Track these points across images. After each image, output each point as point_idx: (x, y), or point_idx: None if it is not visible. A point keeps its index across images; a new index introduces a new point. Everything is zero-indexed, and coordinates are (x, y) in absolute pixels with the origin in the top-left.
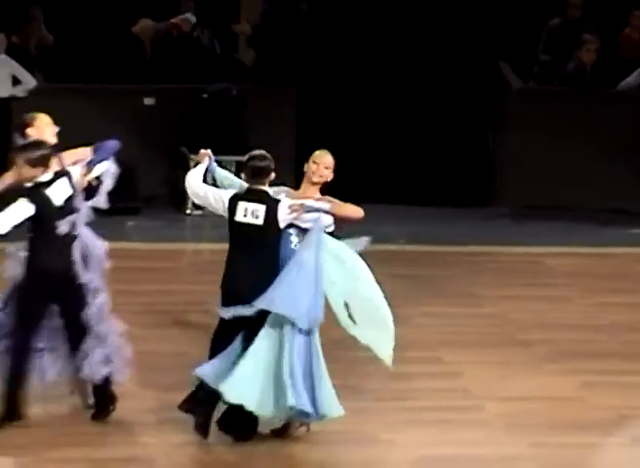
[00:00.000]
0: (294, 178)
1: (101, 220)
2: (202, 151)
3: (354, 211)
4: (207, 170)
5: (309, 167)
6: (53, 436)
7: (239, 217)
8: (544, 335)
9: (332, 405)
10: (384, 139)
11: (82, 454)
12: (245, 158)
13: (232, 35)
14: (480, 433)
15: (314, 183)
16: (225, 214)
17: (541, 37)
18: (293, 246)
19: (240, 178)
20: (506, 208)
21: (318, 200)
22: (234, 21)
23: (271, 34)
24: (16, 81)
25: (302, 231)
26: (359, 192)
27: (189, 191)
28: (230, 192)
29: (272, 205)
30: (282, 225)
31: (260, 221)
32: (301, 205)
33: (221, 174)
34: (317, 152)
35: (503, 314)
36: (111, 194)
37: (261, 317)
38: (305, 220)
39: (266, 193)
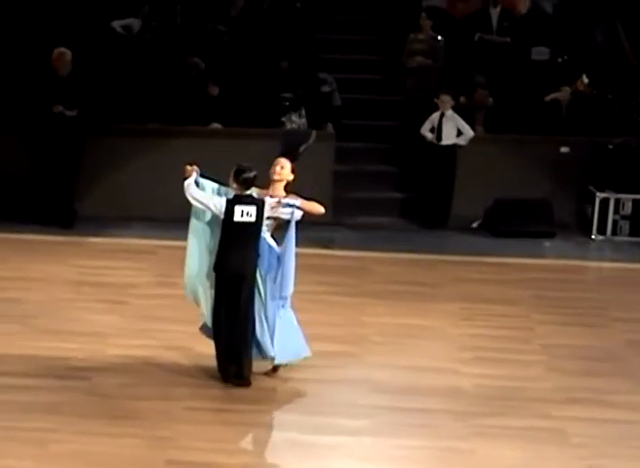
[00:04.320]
0: None
1: (524, 242)
2: (188, 167)
3: (317, 207)
4: (195, 180)
5: (271, 169)
6: None
7: (237, 218)
8: None
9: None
10: None
11: None
12: (234, 170)
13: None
14: None
15: (275, 181)
16: (222, 216)
17: None
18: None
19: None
20: None
21: (287, 197)
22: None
23: None
24: (459, 133)
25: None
26: None
27: (191, 198)
28: (223, 199)
29: (260, 204)
30: (265, 218)
31: (252, 219)
32: (279, 202)
33: (202, 181)
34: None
35: None
36: (533, 221)
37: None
38: (284, 213)
39: (252, 196)
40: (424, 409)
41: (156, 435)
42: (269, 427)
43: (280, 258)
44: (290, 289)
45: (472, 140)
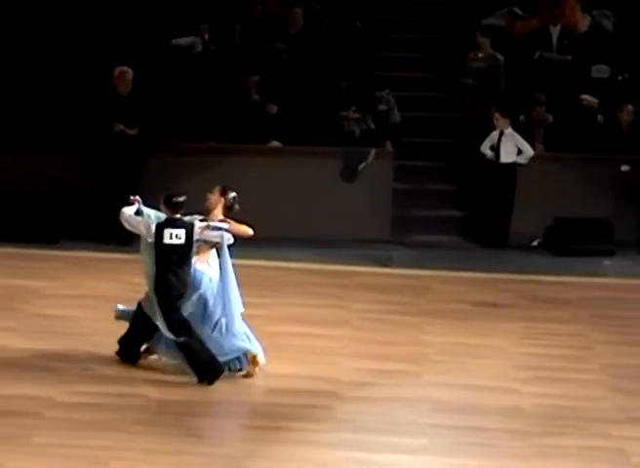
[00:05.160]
0: None
1: (582, 260)
2: (131, 197)
3: (245, 230)
4: (137, 209)
5: None
6: None
7: (166, 240)
8: None
9: None
10: None
11: None
12: (164, 196)
13: None
14: None
15: (210, 208)
16: (152, 239)
17: None
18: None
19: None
20: None
21: (221, 221)
22: None
23: None
24: (520, 151)
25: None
26: None
27: (123, 220)
28: (154, 223)
29: (189, 227)
30: (195, 240)
31: (182, 241)
32: (207, 226)
33: (146, 211)
34: None
35: None
36: (593, 239)
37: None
38: (212, 236)
39: (182, 219)
40: (483, 428)
41: (217, 453)
42: (329, 445)
43: (205, 281)
44: (238, 308)
45: (532, 158)
